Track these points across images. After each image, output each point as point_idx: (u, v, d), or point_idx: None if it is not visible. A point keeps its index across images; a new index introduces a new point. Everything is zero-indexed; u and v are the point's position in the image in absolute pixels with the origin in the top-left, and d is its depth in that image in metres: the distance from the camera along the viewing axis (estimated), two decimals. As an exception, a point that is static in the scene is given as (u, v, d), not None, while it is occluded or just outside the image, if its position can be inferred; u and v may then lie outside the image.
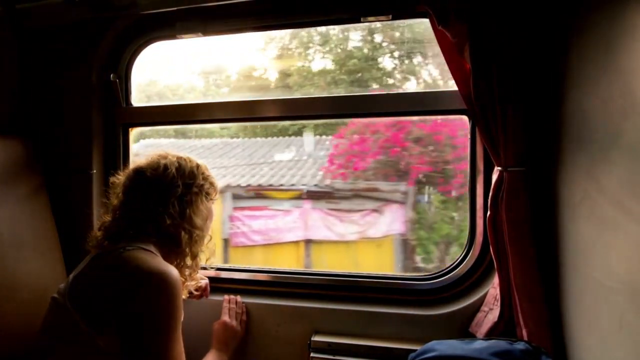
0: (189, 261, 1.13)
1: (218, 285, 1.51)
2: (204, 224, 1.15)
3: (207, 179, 1.18)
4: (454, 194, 2.82)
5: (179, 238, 1.08)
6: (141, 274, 0.96)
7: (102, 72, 1.59)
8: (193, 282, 1.26)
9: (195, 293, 1.32)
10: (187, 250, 1.11)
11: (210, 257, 1.25)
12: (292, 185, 3.47)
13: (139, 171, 1.11)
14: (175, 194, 1.09)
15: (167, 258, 1.08)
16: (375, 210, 3.25)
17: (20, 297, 1.31)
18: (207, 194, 1.17)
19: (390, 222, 3.22)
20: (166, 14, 1.45)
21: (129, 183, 1.12)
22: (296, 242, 3.48)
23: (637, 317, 0.79)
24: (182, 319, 1.02)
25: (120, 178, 1.16)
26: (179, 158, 1.15)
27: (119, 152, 1.63)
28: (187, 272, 1.17)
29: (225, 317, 1.38)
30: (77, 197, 1.55)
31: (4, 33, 1.52)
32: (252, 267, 1.59)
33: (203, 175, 1.16)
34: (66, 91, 1.57)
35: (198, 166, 1.17)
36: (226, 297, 1.44)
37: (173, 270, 1.00)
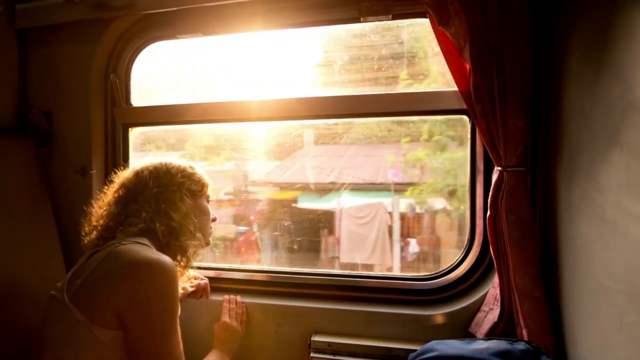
0: (178, 256, 1.14)
1: (218, 285, 1.51)
2: (182, 218, 1.15)
3: (189, 177, 1.19)
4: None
5: (156, 230, 1.10)
6: (135, 264, 0.98)
7: (102, 72, 1.59)
8: (185, 279, 1.27)
9: (190, 289, 1.32)
10: (172, 243, 1.12)
11: (198, 256, 1.25)
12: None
13: (122, 184, 1.19)
14: (150, 193, 1.13)
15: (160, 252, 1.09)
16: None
17: (20, 296, 1.31)
18: (190, 190, 1.19)
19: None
20: (166, 14, 1.45)
21: (115, 196, 1.18)
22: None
23: (637, 317, 0.79)
24: (179, 308, 1.03)
25: (108, 193, 1.22)
26: (157, 163, 1.19)
27: (119, 152, 1.63)
28: (177, 268, 1.17)
29: (226, 318, 1.38)
30: (77, 197, 1.55)
31: (4, 33, 1.52)
32: (252, 267, 1.59)
33: (182, 174, 1.18)
34: (66, 91, 1.57)
35: (178, 167, 1.19)
36: (226, 297, 1.45)
37: (167, 259, 1.01)
